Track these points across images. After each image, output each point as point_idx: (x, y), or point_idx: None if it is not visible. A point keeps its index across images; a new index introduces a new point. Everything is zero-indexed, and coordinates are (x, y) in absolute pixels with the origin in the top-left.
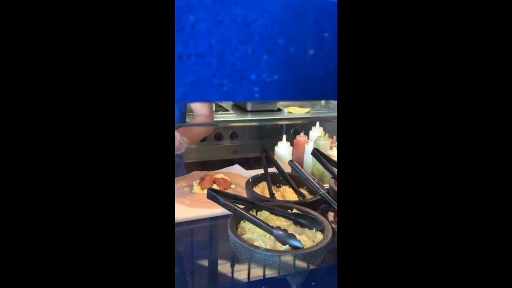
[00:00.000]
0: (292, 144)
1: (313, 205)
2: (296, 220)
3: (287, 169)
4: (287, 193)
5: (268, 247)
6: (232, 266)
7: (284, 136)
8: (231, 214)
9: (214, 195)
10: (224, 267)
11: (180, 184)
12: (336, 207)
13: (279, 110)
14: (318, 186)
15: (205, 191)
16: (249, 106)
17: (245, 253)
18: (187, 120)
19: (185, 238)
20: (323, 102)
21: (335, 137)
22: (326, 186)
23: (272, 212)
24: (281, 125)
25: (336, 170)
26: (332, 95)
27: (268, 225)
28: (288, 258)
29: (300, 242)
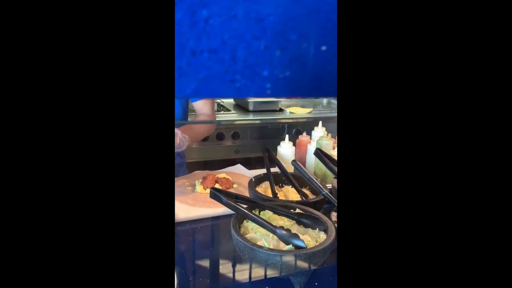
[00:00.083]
0: (294, 144)
1: (316, 205)
2: (299, 220)
3: (290, 169)
4: (289, 193)
5: (271, 246)
6: (235, 265)
7: (287, 136)
8: (234, 214)
9: (217, 195)
10: (226, 266)
11: (182, 184)
12: None
13: (281, 110)
14: (321, 186)
15: (208, 190)
16: (251, 106)
17: (248, 253)
18: (189, 119)
19: (187, 237)
20: (325, 102)
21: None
22: (329, 186)
23: (275, 211)
24: (283, 125)
25: None
26: None
27: (271, 224)
28: (291, 258)
29: (304, 241)
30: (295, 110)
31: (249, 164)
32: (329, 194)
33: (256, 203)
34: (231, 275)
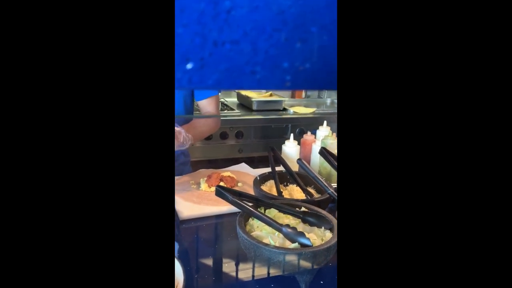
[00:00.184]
0: (298, 143)
1: (321, 203)
2: (305, 218)
3: (294, 168)
4: (294, 192)
5: (277, 244)
6: (240, 263)
7: (292, 135)
8: (240, 212)
9: (223, 192)
10: (232, 264)
11: (187, 181)
12: None
13: (284, 109)
14: (326, 185)
15: (212, 188)
16: (254, 105)
17: (254, 250)
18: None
19: (192, 235)
20: (328, 102)
21: None
22: (334, 185)
23: (280, 210)
24: (287, 125)
25: None
26: None
27: (277, 222)
28: (297, 256)
29: (310, 240)
30: (299, 109)
31: (253, 163)
32: (334, 193)
33: (262, 201)
34: (236, 273)
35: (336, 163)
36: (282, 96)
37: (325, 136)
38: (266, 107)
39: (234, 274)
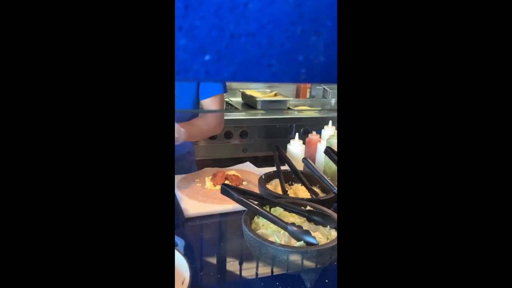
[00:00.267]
0: (304, 143)
1: (326, 203)
2: (310, 217)
3: (299, 167)
4: (299, 191)
5: (282, 243)
6: (245, 261)
7: (297, 134)
8: (245, 210)
9: (228, 190)
10: (237, 262)
11: (192, 180)
12: None
13: (289, 109)
14: (332, 184)
15: (217, 187)
16: (259, 105)
17: (260, 248)
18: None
19: (198, 233)
20: (333, 102)
21: None
22: None
23: (285, 208)
24: (291, 125)
25: None
26: None
27: (282, 221)
28: (303, 254)
29: (315, 238)
30: (304, 109)
31: (257, 162)
32: None
33: (267, 199)
34: (242, 270)
35: None
36: (286, 96)
37: (330, 136)
38: (270, 107)
39: (239, 272)
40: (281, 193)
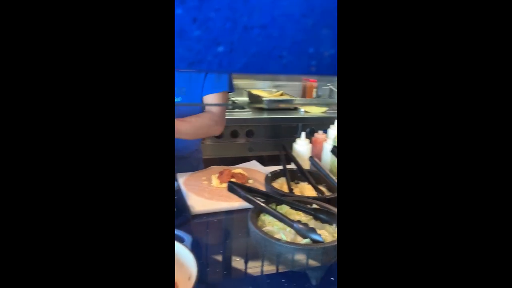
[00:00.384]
0: (310, 142)
1: (332, 202)
2: (316, 215)
3: (306, 166)
4: (305, 190)
5: (288, 240)
6: (251, 258)
7: (303, 133)
8: (250, 208)
9: (235, 188)
10: (243, 258)
11: (199, 178)
12: None
13: (295, 109)
14: None
15: (224, 185)
16: (265, 105)
17: (265, 245)
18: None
19: (204, 229)
20: None
21: None
22: None
23: (292, 206)
24: (297, 124)
25: None
26: None
27: (288, 218)
28: (309, 252)
29: (321, 236)
30: (310, 109)
31: (262, 162)
32: None
33: (273, 197)
34: (247, 267)
35: None
36: (292, 96)
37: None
38: (277, 106)
39: (245, 268)
40: (287, 191)
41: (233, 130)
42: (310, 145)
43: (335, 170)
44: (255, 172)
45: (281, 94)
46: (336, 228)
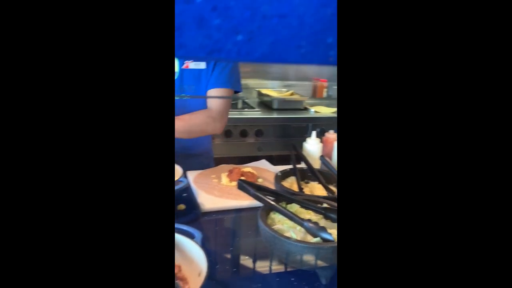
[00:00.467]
0: (321, 141)
1: None
2: (327, 214)
3: (316, 165)
4: (315, 189)
5: (298, 238)
6: (261, 256)
7: (314, 133)
8: (260, 206)
9: (245, 186)
10: (252, 256)
11: (208, 176)
12: None
13: (305, 109)
14: None
15: (233, 183)
16: (275, 104)
17: (275, 244)
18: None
19: (213, 227)
20: None
21: None
22: None
23: (302, 205)
24: (307, 124)
25: None
26: None
27: (298, 217)
28: (319, 251)
29: (331, 235)
30: (320, 109)
31: (272, 161)
32: None
33: (283, 196)
34: (257, 265)
35: None
36: (303, 95)
37: None
38: (286, 106)
39: (254, 266)
40: (297, 190)
41: (242, 129)
42: (320, 145)
43: None
44: (265, 171)
45: (291, 94)
46: None
